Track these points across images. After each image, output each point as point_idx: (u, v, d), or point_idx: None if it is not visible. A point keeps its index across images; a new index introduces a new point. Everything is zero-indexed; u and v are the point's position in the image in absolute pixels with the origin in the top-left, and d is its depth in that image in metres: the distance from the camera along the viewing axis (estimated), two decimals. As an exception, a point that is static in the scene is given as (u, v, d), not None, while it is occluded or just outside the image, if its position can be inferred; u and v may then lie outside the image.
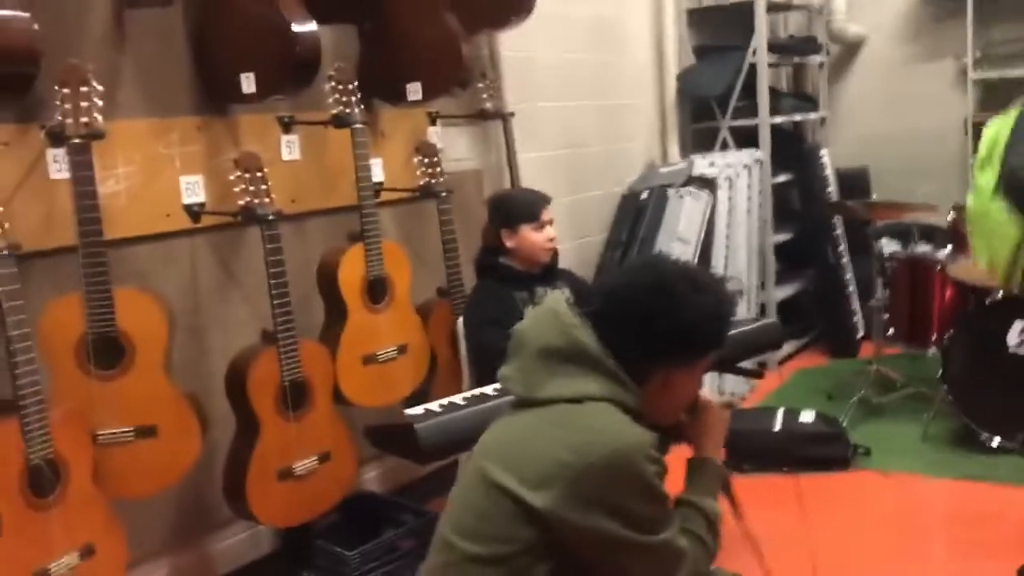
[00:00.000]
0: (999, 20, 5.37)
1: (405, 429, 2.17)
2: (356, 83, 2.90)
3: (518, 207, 2.98)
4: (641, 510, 1.51)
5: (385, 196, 3.22)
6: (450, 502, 1.69)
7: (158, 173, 2.64)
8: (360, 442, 2.77)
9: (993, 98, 5.53)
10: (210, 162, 2.76)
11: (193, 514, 2.82)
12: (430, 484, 3.44)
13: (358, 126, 2.88)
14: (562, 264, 3.16)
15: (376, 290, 2.96)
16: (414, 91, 3.15)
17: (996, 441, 3.66)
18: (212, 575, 2.89)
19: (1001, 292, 3.68)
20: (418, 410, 2.29)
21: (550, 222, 2.98)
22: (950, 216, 4.04)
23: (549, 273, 3.02)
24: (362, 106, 2.91)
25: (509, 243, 2.95)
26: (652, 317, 1.58)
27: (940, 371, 3.87)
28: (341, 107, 2.87)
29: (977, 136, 5.43)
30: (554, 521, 1.50)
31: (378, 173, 3.21)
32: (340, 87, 2.86)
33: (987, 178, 2.31)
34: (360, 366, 2.92)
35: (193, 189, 2.72)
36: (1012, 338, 3.62)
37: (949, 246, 4.10)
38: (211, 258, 2.84)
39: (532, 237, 2.95)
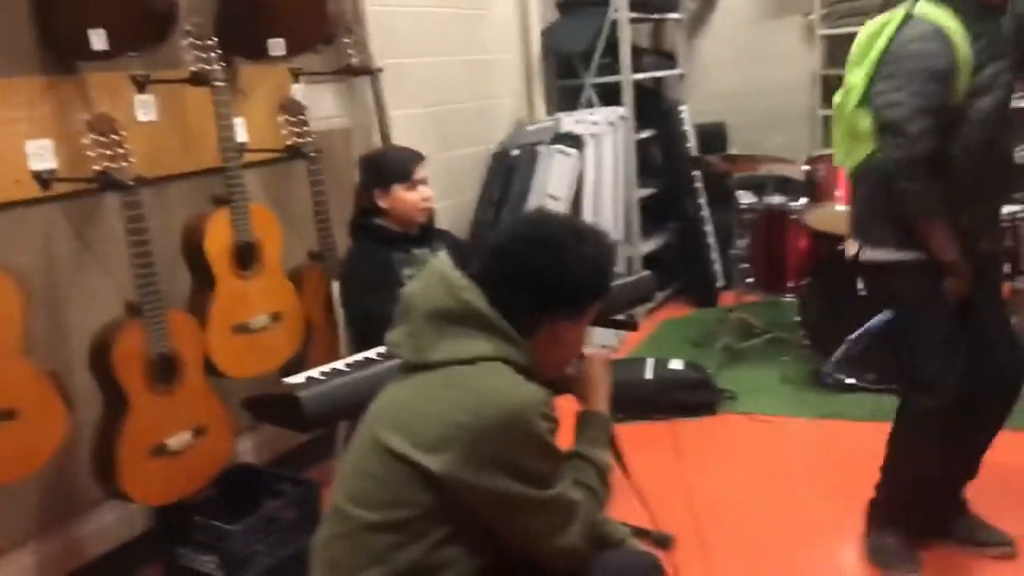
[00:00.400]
0: (843, -22, 5.62)
1: (287, 398, 2.11)
2: (215, 39, 2.76)
3: (390, 166, 2.91)
4: (536, 466, 1.53)
5: (250, 157, 3.10)
6: (342, 471, 1.67)
7: (2, 137, 2.45)
8: (236, 413, 2.69)
9: (840, 52, 5.78)
10: (60, 125, 2.58)
11: (59, 497, 2.68)
12: (308, 452, 3.38)
13: (218, 84, 2.75)
14: (436, 224, 3.13)
15: (245, 256, 2.85)
16: (276, 47, 3.03)
17: (849, 380, 3.90)
18: (83, 559, 2.76)
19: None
20: (299, 378, 2.22)
21: (424, 181, 2.92)
22: (804, 167, 4.22)
23: (426, 233, 2.97)
24: (222, 63, 2.78)
25: (383, 203, 2.89)
26: (540, 271, 1.60)
27: (797, 316, 4.07)
28: (199, 64, 2.73)
29: (826, 89, 5.72)
30: (451, 483, 1.50)
31: (242, 133, 3.07)
32: (198, 43, 2.72)
33: (856, 77, 2.38)
34: (231, 336, 2.82)
35: (42, 154, 2.53)
36: (862, 283, 3.84)
37: (803, 197, 4.28)
38: (66, 228, 2.67)
39: (406, 197, 2.89)
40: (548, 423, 1.54)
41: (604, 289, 1.67)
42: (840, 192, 4.02)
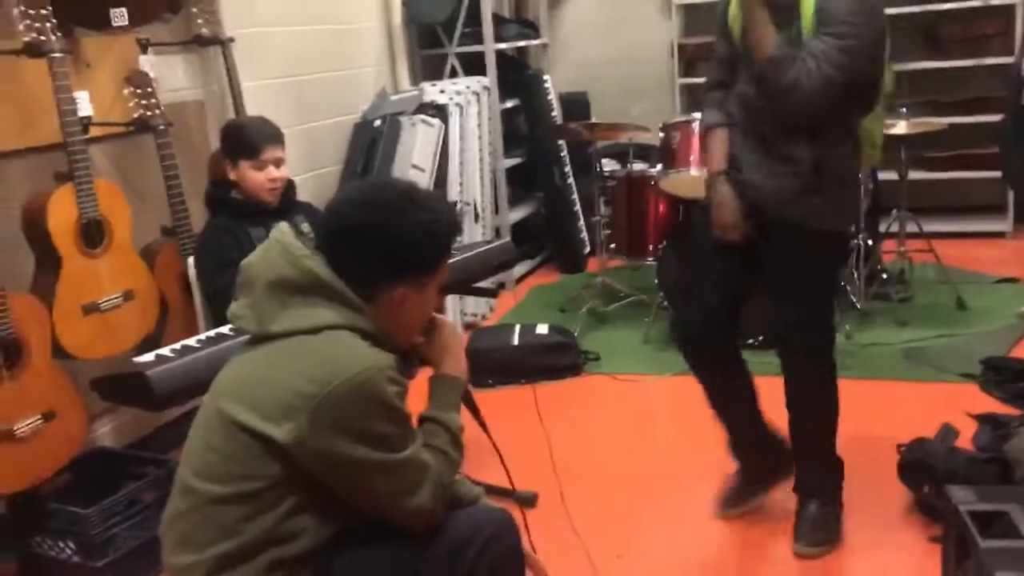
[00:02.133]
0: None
1: (136, 377, 2.07)
2: (50, 8, 2.64)
3: (241, 140, 2.85)
4: (385, 430, 1.56)
5: (95, 131, 2.99)
6: (188, 446, 1.66)
7: None
8: (90, 396, 2.61)
9: (694, 22, 5.98)
10: None
11: None
12: (170, 433, 3.31)
13: (56, 55, 2.63)
14: (300, 196, 3.09)
15: (92, 233, 2.76)
16: (119, 16, 2.92)
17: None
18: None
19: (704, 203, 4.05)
20: (149, 356, 2.18)
21: (275, 162, 2.85)
22: (660, 134, 4.35)
23: (286, 207, 2.93)
24: (59, 33, 2.66)
25: (231, 175, 2.85)
26: (370, 235, 1.62)
27: (656, 279, 4.22)
28: (34, 34, 2.61)
29: (683, 58, 5.89)
30: (299, 452, 1.51)
31: (86, 107, 2.96)
32: (31, 12, 2.60)
33: None
34: (81, 316, 2.73)
35: None
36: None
37: (660, 163, 4.42)
38: None
39: (251, 175, 2.83)
40: (395, 386, 1.57)
41: (438, 256, 1.69)
42: (694, 157, 4.17)
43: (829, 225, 2.46)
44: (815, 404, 2.59)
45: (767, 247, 2.51)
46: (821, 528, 2.59)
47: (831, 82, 2.25)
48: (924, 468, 2.63)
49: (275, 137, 2.88)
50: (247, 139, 2.84)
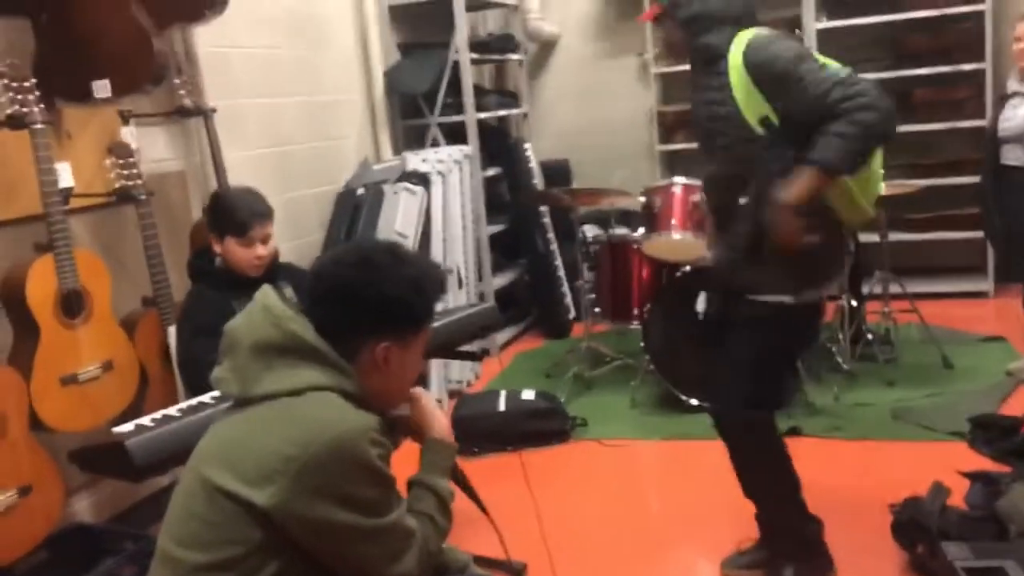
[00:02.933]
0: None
1: (115, 447, 2.02)
2: (34, 80, 2.66)
3: (230, 217, 2.80)
4: (367, 494, 1.52)
5: (76, 202, 2.98)
6: (169, 514, 1.61)
7: None
8: (68, 470, 2.55)
9: (673, 90, 6.09)
10: None
11: None
12: (150, 507, 3.23)
13: (38, 127, 2.64)
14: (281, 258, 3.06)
15: (71, 304, 2.73)
16: (101, 88, 2.93)
17: (694, 401, 4.04)
18: None
19: (688, 266, 4.07)
20: (128, 426, 2.14)
21: (263, 239, 2.81)
22: (642, 198, 4.38)
23: (271, 275, 2.90)
24: (42, 105, 2.67)
25: (217, 249, 2.82)
26: (356, 291, 1.61)
27: (642, 343, 4.21)
28: (17, 106, 2.62)
29: (662, 125, 5.98)
30: (280, 517, 1.48)
31: (67, 178, 2.95)
32: (14, 85, 2.61)
33: None
34: (59, 388, 2.69)
35: None
36: (699, 306, 4.02)
37: (642, 227, 4.44)
38: None
39: (238, 251, 2.79)
40: (378, 448, 1.54)
41: (425, 311, 1.68)
42: (676, 221, 4.20)
43: (768, 294, 2.42)
44: (755, 472, 2.59)
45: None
46: None
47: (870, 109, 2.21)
48: (917, 527, 2.59)
49: (265, 215, 2.83)
50: (236, 217, 2.79)
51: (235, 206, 2.84)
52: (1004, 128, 3.93)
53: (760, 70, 2.30)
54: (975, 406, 3.71)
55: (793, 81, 2.27)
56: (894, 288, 4.53)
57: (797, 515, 2.60)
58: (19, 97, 2.62)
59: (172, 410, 2.24)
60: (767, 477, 2.58)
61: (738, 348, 2.49)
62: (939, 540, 2.26)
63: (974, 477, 2.94)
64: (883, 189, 2.50)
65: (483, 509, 1.92)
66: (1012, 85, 3.98)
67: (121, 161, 3.01)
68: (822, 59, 2.37)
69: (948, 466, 3.04)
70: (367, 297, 1.60)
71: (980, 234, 4.47)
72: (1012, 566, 1.88)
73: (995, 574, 1.87)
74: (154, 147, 3.44)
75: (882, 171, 2.47)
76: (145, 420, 2.18)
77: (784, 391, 2.51)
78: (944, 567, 1.97)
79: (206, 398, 2.30)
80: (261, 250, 2.82)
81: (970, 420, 3.52)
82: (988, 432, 3.40)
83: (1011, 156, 3.93)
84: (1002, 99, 4.07)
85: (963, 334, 4.74)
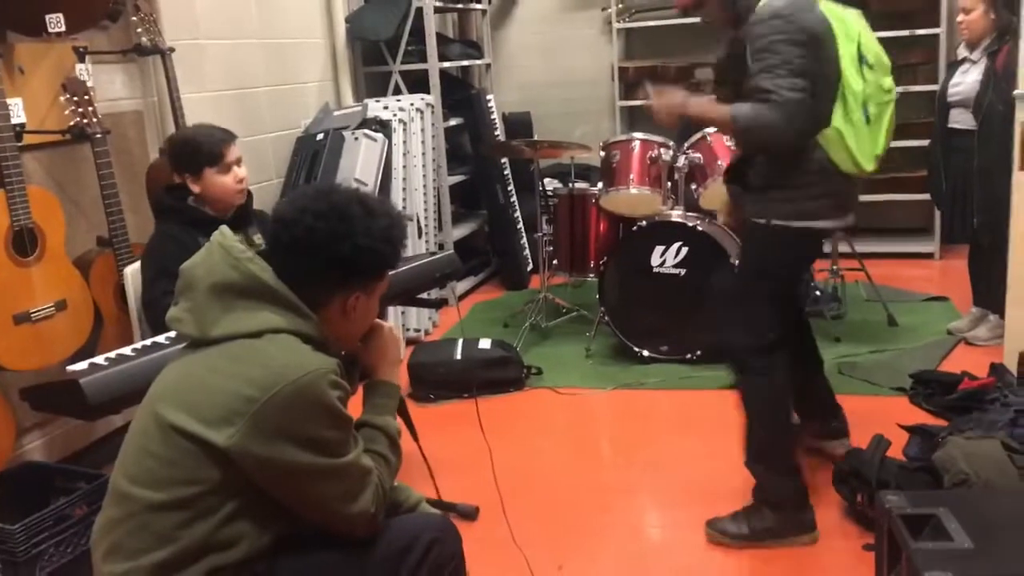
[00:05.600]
0: (637, -26, 5.89)
1: (69, 386, 2.02)
2: (-17, 12, 2.60)
3: (199, 149, 2.77)
4: (327, 435, 1.55)
5: (30, 139, 2.93)
6: (123, 452, 1.62)
7: None
8: (20, 409, 2.54)
9: (635, 46, 6.09)
10: None
11: None
12: (103, 448, 3.23)
13: (-12, 60, 2.59)
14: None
15: (24, 242, 2.69)
16: (55, 22, 2.87)
17: (647, 352, 4.12)
18: None
19: (644, 220, 4.11)
20: (82, 365, 2.14)
21: (237, 162, 2.81)
22: (601, 153, 4.40)
23: (242, 217, 2.88)
24: (-8, 38, 2.62)
25: (195, 188, 2.77)
26: (328, 242, 1.60)
27: (598, 295, 4.26)
28: (-34, 38, 2.56)
29: (624, 81, 5.98)
30: (239, 457, 1.49)
31: (19, 114, 2.90)
32: (-36, 15, 2.55)
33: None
34: (11, 327, 2.66)
35: None
36: (654, 260, 4.07)
37: (600, 182, 4.47)
38: None
39: (219, 181, 2.77)
40: (337, 391, 1.56)
41: (392, 259, 1.70)
42: (634, 176, 4.23)
43: (762, 217, 2.60)
44: (746, 413, 2.67)
45: None
46: (735, 521, 2.67)
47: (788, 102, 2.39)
48: (858, 477, 2.69)
49: (231, 137, 2.84)
50: (205, 148, 2.76)
51: (199, 139, 2.83)
52: (952, 92, 4.05)
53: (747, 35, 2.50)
54: (917, 363, 3.83)
55: (754, 59, 2.46)
56: (843, 247, 4.62)
57: (782, 464, 2.66)
58: (-31, 29, 2.56)
59: (127, 350, 2.24)
60: (755, 422, 2.66)
61: (740, 272, 2.80)
62: (878, 489, 2.34)
63: (913, 430, 3.05)
64: (882, 148, 2.58)
65: (423, 454, 1.95)
66: (962, 51, 4.07)
67: (76, 98, 2.95)
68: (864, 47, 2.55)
69: (890, 420, 3.15)
70: (340, 250, 1.60)
71: (928, 196, 4.56)
72: (944, 513, 1.95)
73: (929, 521, 1.95)
74: (111, 86, 3.37)
75: (885, 133, 2.60)
76: (99, 359, 2.18)
77: (775, 326, 2.61)
78: (881, 514, 2.05)
79: (161, 338, 2.30)
80: (240, 171, 2.82)
81: (912, 376, 3.63)
82: (929, 388, 3.52)
83: (958, 120, 4.03)
84: (952, 65, 4.18)
85: (908, 293, 4.87)
